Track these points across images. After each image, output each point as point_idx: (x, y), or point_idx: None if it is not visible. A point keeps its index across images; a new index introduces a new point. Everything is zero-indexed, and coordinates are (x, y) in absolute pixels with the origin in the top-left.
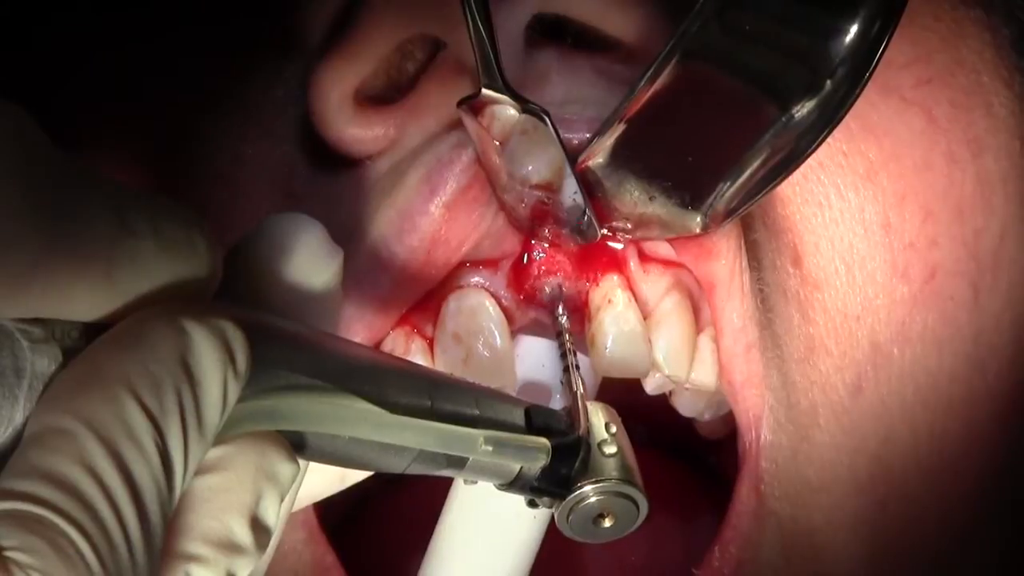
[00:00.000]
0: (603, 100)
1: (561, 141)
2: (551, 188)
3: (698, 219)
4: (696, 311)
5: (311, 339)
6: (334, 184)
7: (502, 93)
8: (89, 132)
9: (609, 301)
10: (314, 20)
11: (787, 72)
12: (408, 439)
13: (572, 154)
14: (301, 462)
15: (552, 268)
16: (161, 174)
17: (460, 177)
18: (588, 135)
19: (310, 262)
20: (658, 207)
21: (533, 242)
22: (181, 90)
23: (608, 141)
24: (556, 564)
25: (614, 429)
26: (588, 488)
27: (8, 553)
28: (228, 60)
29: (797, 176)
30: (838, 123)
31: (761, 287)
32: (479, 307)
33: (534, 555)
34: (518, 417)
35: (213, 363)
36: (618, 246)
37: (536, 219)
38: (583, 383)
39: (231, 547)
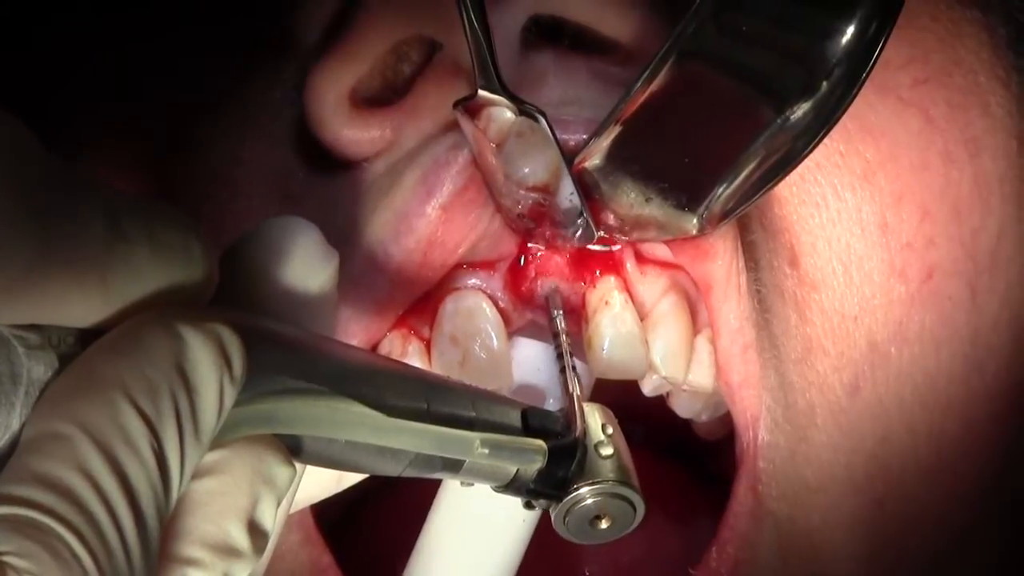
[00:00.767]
0: (599, 101)
1: (558, 142)
2: (547, 190)
3: (695, 220)
4: (693, 312)
5: (307, 342)
6: (331, 186)
7: (498, 94)
8: (88, 133)
9: (606, 303)
10: (310, 21)
11: (784, 73)
12: (405, 442)
13: (569, 156)
14: (298, 465)
15: (549, 270)
16: (159, 175)
17: (456, 179)
18: (585, 136)
19: (306, 265)
20: (655, 208)
21: (530, 244)
22: (180, 91)
23: (605, 143)
24: (553, 565)
25: (611, 430)
26: (585, 490)
27: (5, 558)
28: (228, 61)
29: (794, 177)
30: (835, 124)
31: (758, 288)
32: (476, 309)
33: (521, 556)
34: (514, 419)
35: (209, 367)
36: (615, 248)
37: (533, 221)
38: (580, 384)
39: (228, 551)
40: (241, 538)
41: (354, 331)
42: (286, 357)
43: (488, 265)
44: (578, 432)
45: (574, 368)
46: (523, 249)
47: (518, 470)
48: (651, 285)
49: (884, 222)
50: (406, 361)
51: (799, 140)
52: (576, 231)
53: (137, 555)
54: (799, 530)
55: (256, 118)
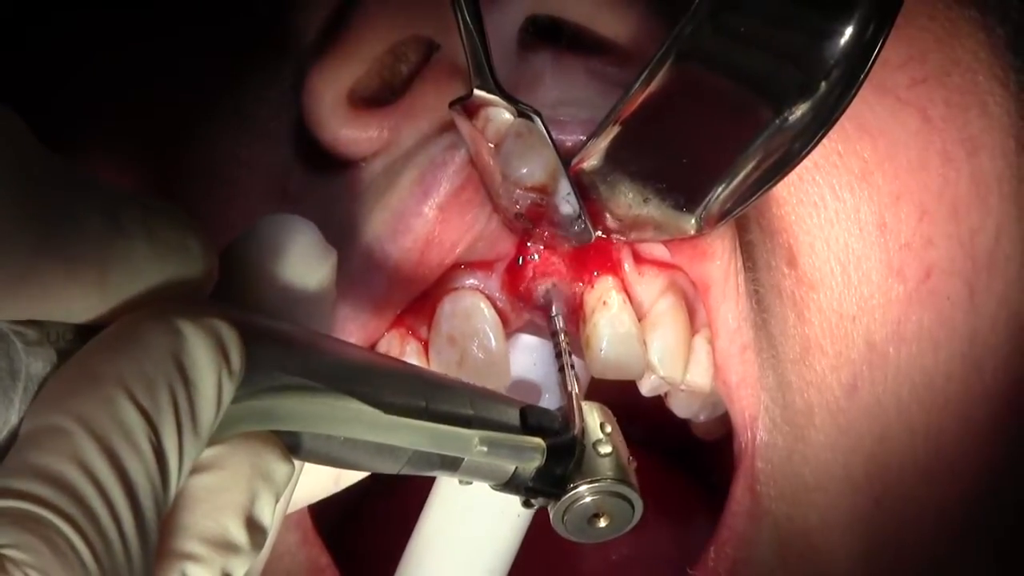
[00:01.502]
0: (597, 102)
1: (554, 143)
2: (545, 190)
3: (693, 221)
4: (691, 312)
5: (305, 339)
6: (328, 185)
7: (494, 94)
8: (88, 132)
9: (604, 303)
10: (308, 22)
11: (782, 74)
12: (403, 440)
13: (566, 156)
14: (296, 463)
15: (546, 270)
16: (158, 174)
17: (453, 179)
18: (582, 137)
19: (303, 263)
20: (653, 209)
21: (528, 244)
22: (180, 90)
23: (602, 143)
24: (550, 564)
25: (609, 429)
26: (583, 488)
27: (4, 551)
28: (227, 60)
29: (792, 177)
30: (833, 125)
31: (756, 288)
32: (474, 309)
33: (514, 553)
34: (513, 417)
35: (207, 363)
36: (613, 248)
37: (530, 221)
38: (578, 383)
39: (227, 546)
40: (239, 534)
41: (351, 330)
42: (284, 354)
43: (486, 265)
44: (576, 430)
45: (572, 366)
46: (521, 249)
47: (516, 468)
48: (649, 285)
49: (882, 222)
50: None
51: (797, 141)
52: (574, 232)
53: (135, 548)
54: (797, 530)
55: (255, 117)
